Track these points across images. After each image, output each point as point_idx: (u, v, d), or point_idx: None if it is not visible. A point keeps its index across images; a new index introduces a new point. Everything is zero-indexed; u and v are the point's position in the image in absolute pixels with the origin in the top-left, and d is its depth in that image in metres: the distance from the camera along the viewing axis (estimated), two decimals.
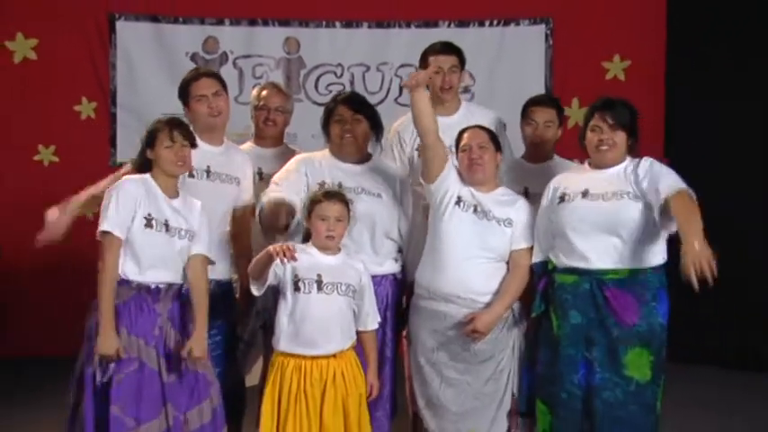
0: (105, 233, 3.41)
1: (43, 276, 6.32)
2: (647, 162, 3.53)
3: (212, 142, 3.95)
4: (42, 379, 5.70)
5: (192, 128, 3.79)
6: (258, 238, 4.00)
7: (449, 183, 3.76)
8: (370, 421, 3.65)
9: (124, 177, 3.56)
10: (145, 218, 3.45)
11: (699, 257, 3.14)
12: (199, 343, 3.49)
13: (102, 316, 3.37)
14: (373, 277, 3.75)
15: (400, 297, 3.97)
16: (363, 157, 4.01)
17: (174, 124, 3.54)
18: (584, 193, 3.53)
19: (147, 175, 3.55)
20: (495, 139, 3.82)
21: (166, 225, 3.49)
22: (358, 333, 3.61)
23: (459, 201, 3.74)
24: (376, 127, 3.98)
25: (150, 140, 3.53)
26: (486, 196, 3.75)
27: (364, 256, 3.79)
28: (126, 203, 3.43)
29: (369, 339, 3.63)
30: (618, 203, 3.47)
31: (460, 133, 3.85)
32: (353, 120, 3.91)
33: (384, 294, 3.88)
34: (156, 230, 3.46)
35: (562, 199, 3.59)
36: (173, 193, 3.58)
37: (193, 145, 3.58)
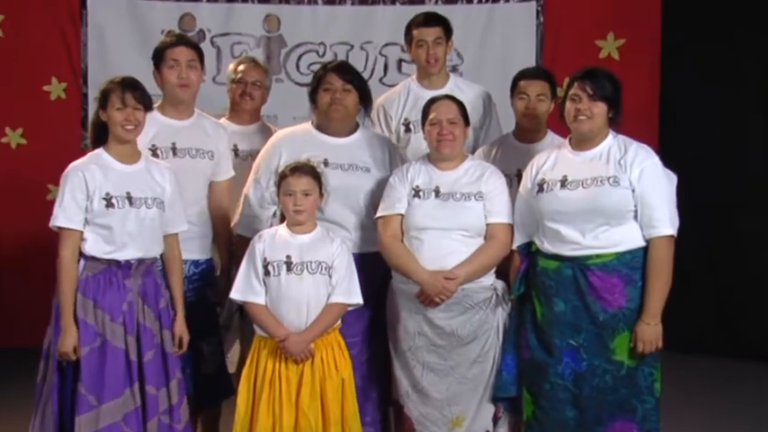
0: (60, 228, 3.48)
1: (13, 262, 6.34)
2: (638, 162, 3.52)
3: (179, 116, 3.98)
4: (10, 369, 5.74)
5: (161, 100, 3.87)
6: (251, 220, 4.03)
7: (402, 192, 3.79)
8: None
9: (71, 165, 3.56)
10: (104, 198, 3.48)
11: (648, 343, 3.49)
12: (182, 327, 3.64)
13: (62, 312, 3.46)
14: (365, 255, 3.81)
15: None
16: (350, 130, 4.02)
17: (126, 85, 3.54)
18: (563, 182, 3.57)
19: (99, 150, 3.57)
20: (464, 112, 3.84)
21: (129, 198, 3.51)
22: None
23: (416, 192, 3.78)
24: (365, 98, 4.00)
25: (103, 101, 3.54)
26: (449, 174, 3.79)
27: (354, 234, 3.86)
28: (76, 194, 3.47)
29: (326, 310, 3.58)
30: (597, 190, 3.51)
31: (428, 104, 3.85)
32: (343, 89, 3.92)
33: (376, 273, 3.87)
34: (118, 207, 3.49)
35: (541, 188, 3.62)
36: (131, 160, 3.60)
37: (148, 108, 3.58)
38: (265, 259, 3.58)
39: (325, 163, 3.84)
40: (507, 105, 4.25)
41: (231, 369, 4.42)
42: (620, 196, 3.50)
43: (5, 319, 6.32)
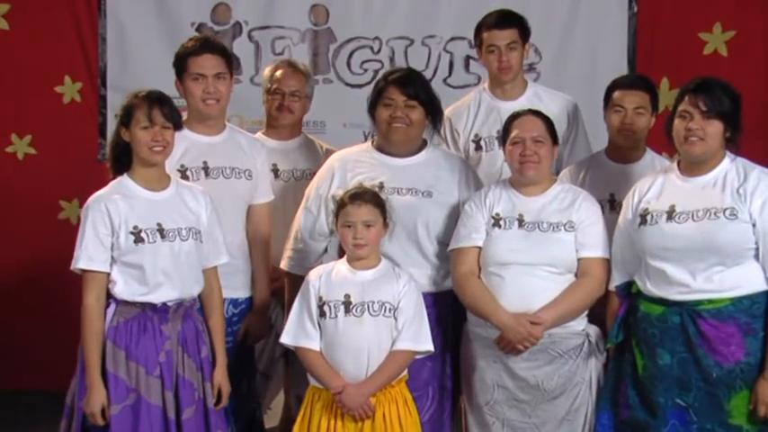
0: (82, 270, 3.54)
1: (22, 293, 6.39)
2: (761, 191, 3.51)
3: (208, 131, 4.05)
4: (11, 413, 5.83)
5: (186, 113, 3.92)
6: (304, 255, 4.08)
7: (479, 221, 3.83)
8: None
9: (91, 197, 3.62)
10: (131, 233, 3.54)
11: None
12: (224, 377, 3.68)
13: (87, 367, 3.51)
14: (431, 295, 3.85)
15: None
16: (415, 149, 4.04)
17: (153, 100, 3.59)
18: (670, 213, 3.57)
19: (123, 177, 3.64)
20: (552, 129, 3.86)
21: (161, 231, 3.58)
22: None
23: (496, 221, 3.81)
24: (434, 112, 4.01)
25: (126, 119, 3.60)
26: (535, 200, 3.82)
27: (417, 270, 3.88)
28: (99, 230, 3.53)
29: (390, 358, 3.61)
30: (710, 225, 3.50)
31: (510, 120, 3.88)
32: (406, 106, 3.93)
33: (444, 316, 3.93)
34: (149, 242, 3.56)
35: (644, 219, 3.62)
36: (159, 185, 3.66)
37: (177, 126, 3.64)
38: (321, 298, 3.63)
39: (381, 186, 3.88)
40: (594, 114, 4.27)
41: (273, 422, 4.49)
42: (737, 231, 3.50)
43: (14, 360, 6.37)
